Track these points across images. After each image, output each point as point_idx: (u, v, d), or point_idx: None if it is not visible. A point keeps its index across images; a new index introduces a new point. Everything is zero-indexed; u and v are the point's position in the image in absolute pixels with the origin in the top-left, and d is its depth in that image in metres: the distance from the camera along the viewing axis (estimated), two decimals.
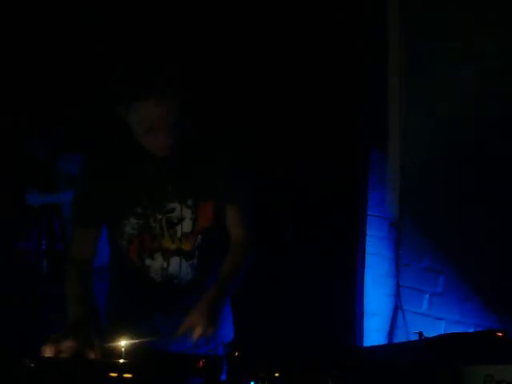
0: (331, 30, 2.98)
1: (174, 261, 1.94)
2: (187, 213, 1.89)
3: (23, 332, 3.09)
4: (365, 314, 3.05)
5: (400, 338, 2.95)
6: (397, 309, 2.97)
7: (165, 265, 1.94)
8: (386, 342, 2.95)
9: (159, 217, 1.88)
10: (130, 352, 1.55)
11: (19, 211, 3.37)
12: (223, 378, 1.58)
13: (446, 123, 2.80)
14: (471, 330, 2.70)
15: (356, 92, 2.98)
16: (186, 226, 1.91)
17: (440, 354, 1.57)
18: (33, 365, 1.36)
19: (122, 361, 1.46)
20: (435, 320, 2.84)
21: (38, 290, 3.35)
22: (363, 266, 3.01)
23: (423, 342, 1.65)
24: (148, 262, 1.93)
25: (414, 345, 1.66)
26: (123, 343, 1.58)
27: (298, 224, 2.94)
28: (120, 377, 1.32)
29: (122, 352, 1.54)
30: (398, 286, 2.97)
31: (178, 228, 1.90)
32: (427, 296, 2.89)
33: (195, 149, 1.88)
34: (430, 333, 1.70)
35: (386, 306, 2.99)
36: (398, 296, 2.97)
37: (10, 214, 3.31)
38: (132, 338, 1.60)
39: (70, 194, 3.28)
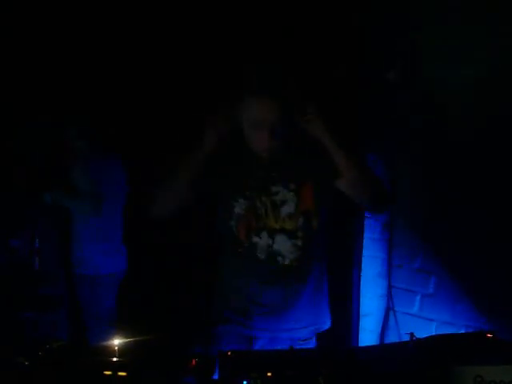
0: (333, 31, 2.98)
1: (279, 238, 2.11)
2: (290, 195, 2.10)
3: (15, 330, 3.08)
4: None
5: (391, 338, 2.96)
6: (388, 309, 2.98)
7: (270, 242, 2.11)
8: (377, 343, 2.96)
9: (264, 199, 2.10)
10: (124, 350, 1.55)
11: (13, 207, 3.36)
12: (215, 377, 1.59)
13: (438, 126, 2.81)
14: (462, 331, 2.72)
15: (354, 94, 2.99)
16: (289, 207, 2.10)
17: (431, 354, 1.58)
18: (27, 363, 1.36)
19: (116, 359, 1.46)
20: (426, 321, 2.86)
21: (29, 287, 3.34)
22: (360, 268, 3.03)
23: (415, 343, 1.66)
24: (255, 239, 2.11)
25: (406, 345, 1.67)
26: (117, 342, 1.59)
27: None
28: (115, 375, 1.33)
29: (115, 350, 1.54)
30: (389, 287, 2.98)
31: (282, 209, 2.10)
32: (419, 297, 2.90)
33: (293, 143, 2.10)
34: (421, 333, 1.71)
35: (377, 307, 3.00)
36: (389, 297, 2.98)
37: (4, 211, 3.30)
38: (126, 337, 1.61)
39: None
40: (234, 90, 2.03)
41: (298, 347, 2.10)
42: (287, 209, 2.10)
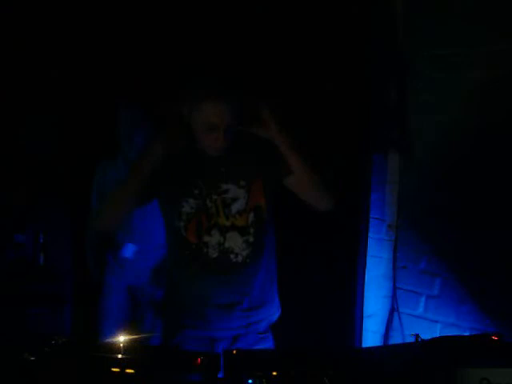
0: (336, 35, 2.98)
1: (230, 236, 2.10)
2: (240, 192, 2.10)
3: (19, 326, 3.09)
4: None
5: (395, 339, 2.96)
6: (393, 310, 2.98)
7: (221, 240, 2.10)
8: (381, 344, 2.96)
9: (214, 197, 2.09)
10: (129, 348, 1.55)
11: (18, 202, 3.35)
12: (220, 375, 1.59)
13: (445, 127, 2.81)
14: (466, 333, 2.71)
15: (357, 95, 2.99)
16: (239, 204, 2.10)
17: (436, 356, 1.58)
18: (33, 358, 1.36)
19: (124, 356, 1.46)
20: (431, 322, 2.85)
21: (34, 284, 3.34)
22: (364, 269, 3.02)
23: (420, 344, 1.66)
24: (206, 238, 2.10)
25: (411, 346, 1.67)
26: (122, 339, 1.59)
27: (300, 226, 2.95)
28: (122, 372, 1.33)
29: (120, 348, 1.54)
30: (394, 288, 2.98)
31: (233, 206, 2.09)
32: (423, 298, 2.89)
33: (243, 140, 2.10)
34: (425, 335, 1.71)
35: (382, 308, 2.99)
36: (394, 298, 2.97)
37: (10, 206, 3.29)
38: (131, 335, 1.61)
39: None
40: (184, 93, 2.03)
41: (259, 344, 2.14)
42: (238, 205, 2.10)
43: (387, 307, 2.99)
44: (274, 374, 1.48)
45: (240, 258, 2.11)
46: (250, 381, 1.47)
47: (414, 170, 2.93)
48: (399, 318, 2.95)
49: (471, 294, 2.74)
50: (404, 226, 2.97)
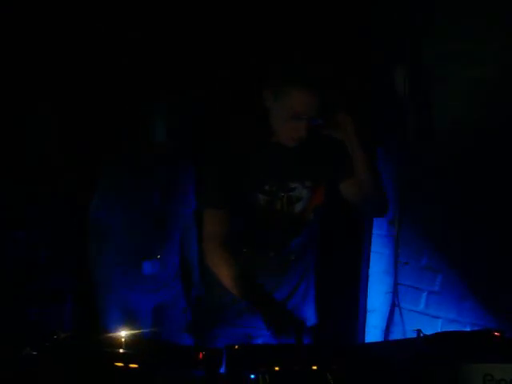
0: (338, 27, 2.97)
1: (290, 235, 2.12)
2: (304, 192, 2.10)
3: (20, 323, 3.09)
4: None
5: (396, 335, 2.96)
6: (394, 306, 2.98)
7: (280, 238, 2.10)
8: (382, 339, 2.96)
9: (282, 194, 2.08)
10: (131, 343, 1.55)
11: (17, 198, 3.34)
12: (221, 370, 1.58)
13: (447, 124, 2.81)
14: (467, 329, 2.71)
15: (360, 93, 2.98)
16: (302, 204, 2.11)
17: (440, 351, 1.58)
18: (35, 353, 1.35)
19: (127, 351, 1.46)
20: (432, 318, 2.86)
21: (35, 281, 3.34)
22: (368, 265, 3.02)
23: (422, 340, 1.66)
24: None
25: (415, 342, 1.66)
26: (123, 334, 1.58)
27: None
28: (126, 367, 1.32)
29: (122, 343, 1.54)
30: (395, 284, 2.98)
31: (296, 206, 2.10)
32: (425, 294, 2.90)
33: (315, 141, 2.07)
34: (426, 331, 1.71)
35: (383, 303, 3.00)
36: (395, 293, 2.98)
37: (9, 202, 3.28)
38: (133, 329, 1.61)
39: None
40: (272, 78, 1.98)
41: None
42: (300, 205, 2.10)
43: (388, 303, 3.00)
44: (277, 369, 1.48)
45: (293, 256, 2.12)
46: (252, 376, 1.46)
47: (415, 166, 2.93)
48: (400, 314, 2.95)
49: (472, 290, 2.75)
50: (405, 222, 2.97)
